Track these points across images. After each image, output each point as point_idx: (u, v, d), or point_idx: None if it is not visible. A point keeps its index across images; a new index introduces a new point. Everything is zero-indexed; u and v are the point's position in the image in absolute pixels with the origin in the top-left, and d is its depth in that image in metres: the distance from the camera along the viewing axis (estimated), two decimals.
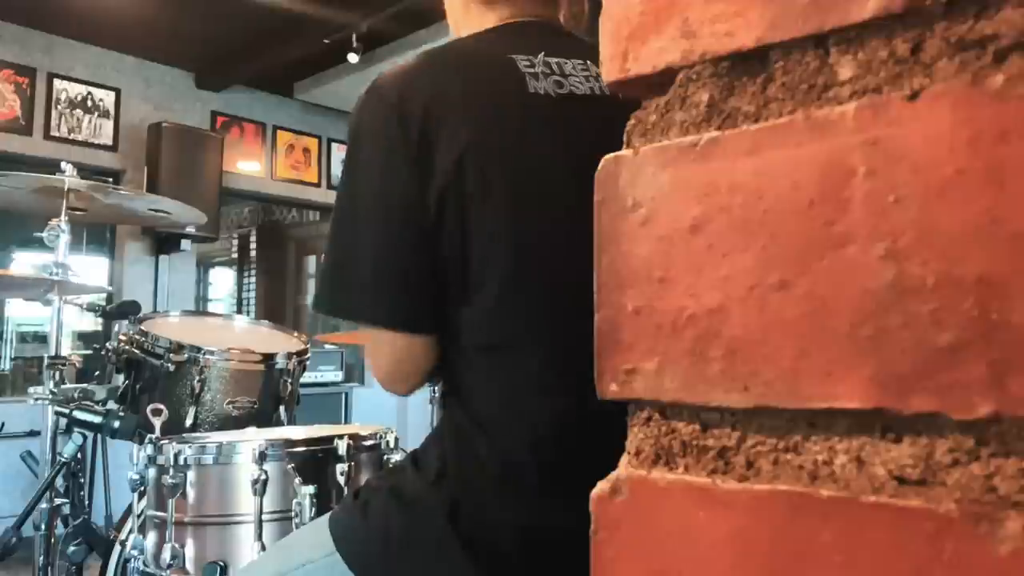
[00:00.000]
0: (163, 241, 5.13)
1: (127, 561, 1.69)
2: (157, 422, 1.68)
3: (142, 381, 2.11)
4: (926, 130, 0.34)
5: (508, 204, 0.90)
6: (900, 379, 0.34)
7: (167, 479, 1.50)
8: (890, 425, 0.35)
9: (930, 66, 0.34)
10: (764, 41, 0.39)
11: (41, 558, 2.18)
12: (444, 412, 0.98)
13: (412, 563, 0.90)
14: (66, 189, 2.25)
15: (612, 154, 0.45)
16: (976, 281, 0.32)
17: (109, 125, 5.01)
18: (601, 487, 0.44)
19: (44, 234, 2.26)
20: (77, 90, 4.90)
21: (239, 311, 7.54)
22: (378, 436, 1.64)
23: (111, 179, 5.05)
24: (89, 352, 4.86)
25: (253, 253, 7.91)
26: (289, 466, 1.49)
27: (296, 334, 2.39)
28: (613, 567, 0.43)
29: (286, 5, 4.32)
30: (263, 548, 1.44)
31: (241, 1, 4.30)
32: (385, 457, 1.63)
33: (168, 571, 1.48)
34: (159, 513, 1.55)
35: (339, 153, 6.08)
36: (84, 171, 2.43)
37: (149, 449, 1.59)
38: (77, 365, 2.35)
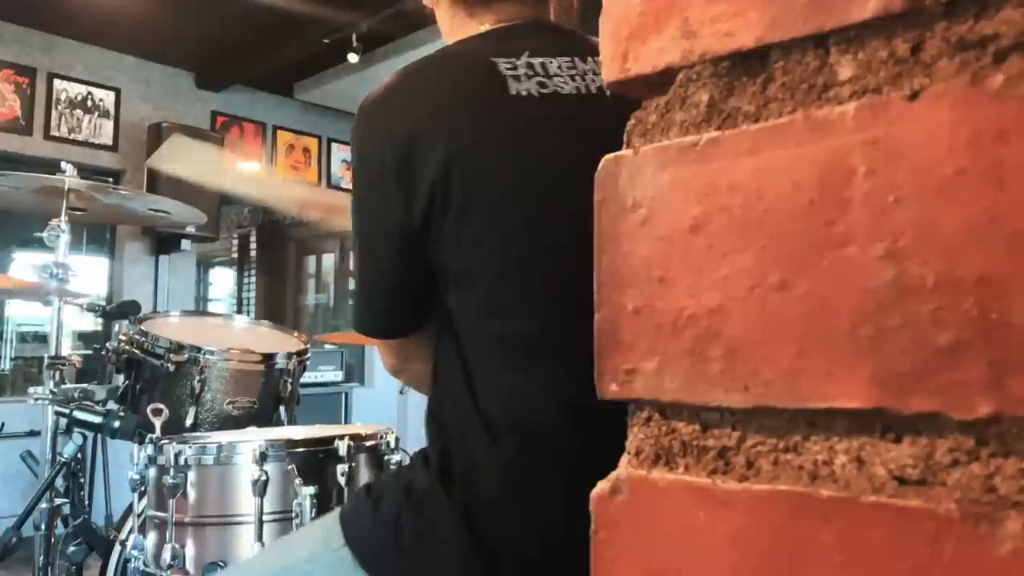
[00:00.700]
0: (163, 241, 5.12)
1: (127, 561, 1.69)
2: (157, 422, 1.68)
3: (142, 381, 2.11)
4: (926, 130, 0.34)
5: (492, 208, 0.92)
6: (900, 379, 0.34)
7: (167, 479, 1.50)
8: (890, 425, 0.35)
9: (930, 66, 0.34)
10: (764, 41, 0.39)
11: (41, 558, 2.17)
12: (448, 408, 0.98)
13: (420, 559, 0.90)
14: (66, 189, 2.25)
15: (612, 154, 0.45)
16: (976, 281, 0.32)
17: (109, 125, 5.01)
18: (601, 487, 0.44)
19: (44, 234, 2.26)
20: (77, 90, 4.89)
21: (239, 311, 7.53)
22: (379, 436, 1.64)
23: (111, 179, 5.05)
24: (89, 352, 4.86)
25: (253, 253, 7.90)
26: (290, 466, 1.49)
27: (296, 334, 2.39)
28: (613, 567, 0.43)
29: (286, 5, 4.32)
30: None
31: (241, 1, 4.30)
32: (386, 457, 1.63)
33: (168, 571, 1.48)
34: (159, 513, 1.55)
35: (339, 153, 6.08)
36: (84, 171, 2.43)
37: (149, 449, 1.59)
38: (77, 365, 2.34)
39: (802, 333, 0.37)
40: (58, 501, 2.19)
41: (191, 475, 1.52)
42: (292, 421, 2.19)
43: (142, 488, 1.62)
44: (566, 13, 1.08)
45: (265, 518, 1.46)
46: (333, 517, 1.00)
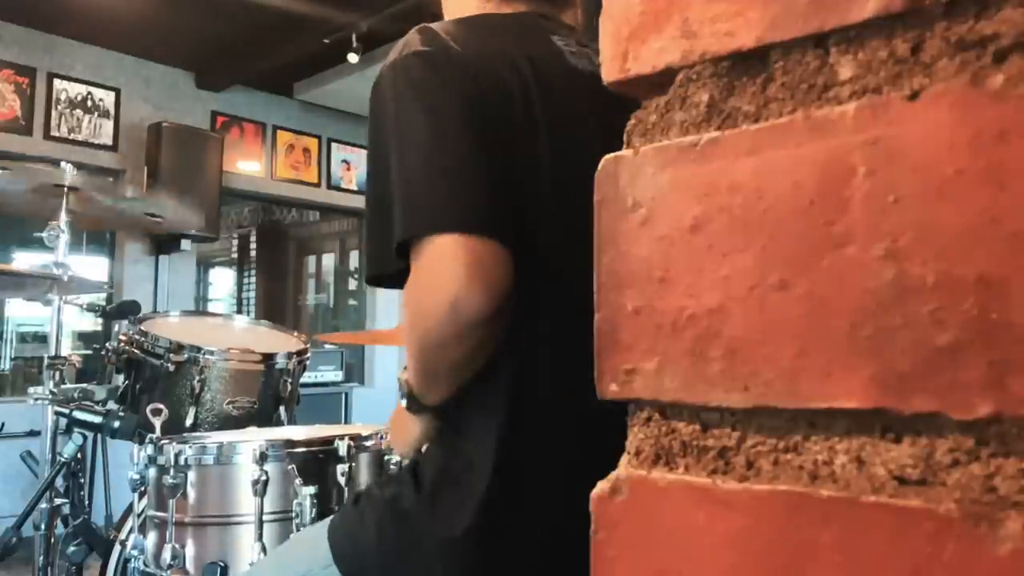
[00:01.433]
0: (163, 241, 5.13)
1: (127, 561, 1.69)
2: (157, 422, 1.68)
3: (142, 381, 2.11)
4: (926, 130, 0.34)
5: (551, 170, 0.89)
6: (900, 379, 0.34)
7: (168, 479, 1.50)
8: (890, 425, 0.35)
9: (930, 66, 0.34)
10: (764, 41, 0.39)
11: (41, 558, 2.18)
12: (442, 423, 0.96)
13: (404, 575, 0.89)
14: (66, 188, 2.25)
15: (612, 154, 0.45)
16: (976, 281, 0.32)
17: (109, 125, 5.01)
18: (601, 487, 0.44)
19: (44, 234, 2.27)
20: (77, 90, 4.90)
21: (239, 311, 7.54)
22: (379, 436, 1.64)
23: (111, 179, 5.05)
24: (89, 352, 4.86)
25: (253, 253, 7.91)
26: (290, 466, 1.49)
27: (296, 334, 2.39)
28: (613, 567, 0.43)
29: (286, 5, 4.32)
30: (263, 549, 1.44)
31: (241, 1, 4.30)
32: (386, 458, 1.63)
33: (168, 571, 1.48)
34: (160, 513, 1.55)
35: (339, 153, 6.08)
36: (84, 171, 2.43)
37: (150, 449, 1.59)
38: (77, 365, 2.35)
39: (802, 333, 0.37)
40: (58, 501, 2.20)
41: (191, 475, 1.52)
42: (292, 421, 2.19)
43: (142, 488, 1.62)
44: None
45: (265, 518, 1.46)
46: (323, 529, 0.97)
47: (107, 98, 5.01)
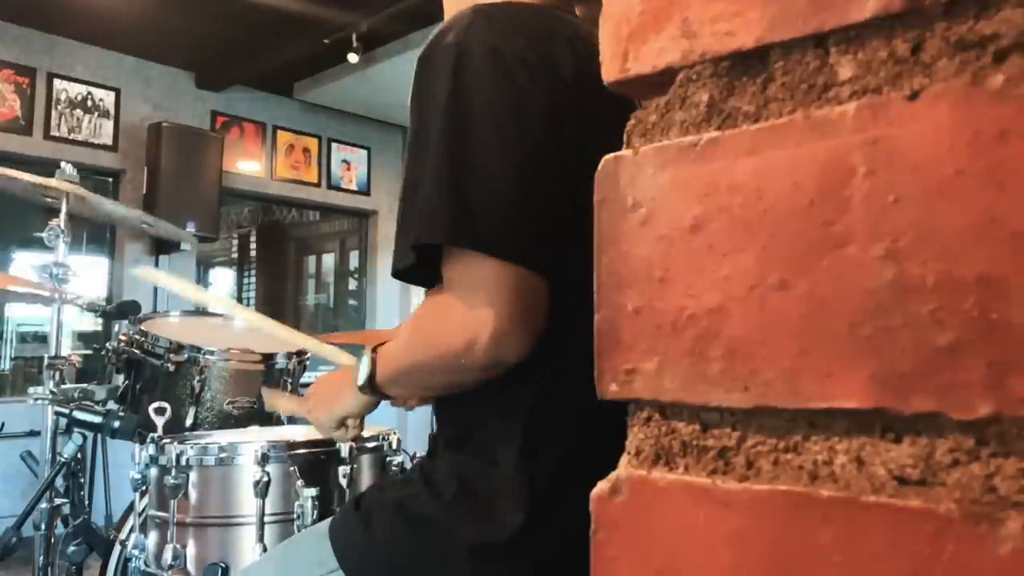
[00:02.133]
0: (163, 241, 5.12)
1: (128, 561, 1.69)
2: (160, 421, 1.68)
3: (142, 381, 2.11)
4: (926, 130, 0.34)
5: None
6: (900, 379, 0.34)
7: (169, 479, 1.50)
8: (890, 425, 0.35)
9: (930, 66, 0.34)
10: (764, 41, 0.39)
11: (41, 558, 2.18)
12: (457, 422, 0.93)
13: None
14: (65, 191, 2.25)
15: (612, 154, 0.45)
16: (976, 281, 0.32)
17: (109, 125, 5.01)
18: (601, 487, 0.44)
19: (44, 234, 2.27)
20: (77, 90, 4.90)
21: None
22: (380, 437, 1.64)
23: (111, 179, 5.05)
24: (89, 352, 4.86)
25: (253, 253, 7.91)
26: (291, 468, 1.49)
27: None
28: (613, 567, 0.43)
29: (286, 5, 4.32)
30: (264, 550, 1.44)
31: (241, 1, 4.30)
32: (387, 459, 1.63)
33: (169, 572, 1.48)
34: (161, 513, 1.55)
35: (339, 153, 6.08)
36: (84, 171, 2.43)
37: (151, 449, 1.59)
38: (77, 365, 2.35)
39: (802, 333, 0.37)
40: (58, 501, 2.20)
41: (193, 475, 1.52)
42: (292, 421, 2.19)
43: (143, 488, 1.62)
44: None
45: (266, 519, 1.46)
46: (323, 531, 0.95)
47: (107, 98, 5.01)
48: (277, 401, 1.33)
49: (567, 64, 0.86)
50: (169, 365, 2.04)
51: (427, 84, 0.85)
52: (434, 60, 0.85)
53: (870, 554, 0.34)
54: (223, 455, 1.54)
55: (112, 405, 2.14)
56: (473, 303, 0.78)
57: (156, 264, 5.18)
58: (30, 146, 4.68)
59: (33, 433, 3.82)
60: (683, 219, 0.41)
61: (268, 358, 2.13)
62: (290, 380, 2.17)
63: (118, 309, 2.33)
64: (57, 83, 4.81)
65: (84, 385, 2.20)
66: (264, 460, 1.46)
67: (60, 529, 2.22)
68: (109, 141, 5.00)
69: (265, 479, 1.45)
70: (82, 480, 2.32)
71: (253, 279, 7.87)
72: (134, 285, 5.02)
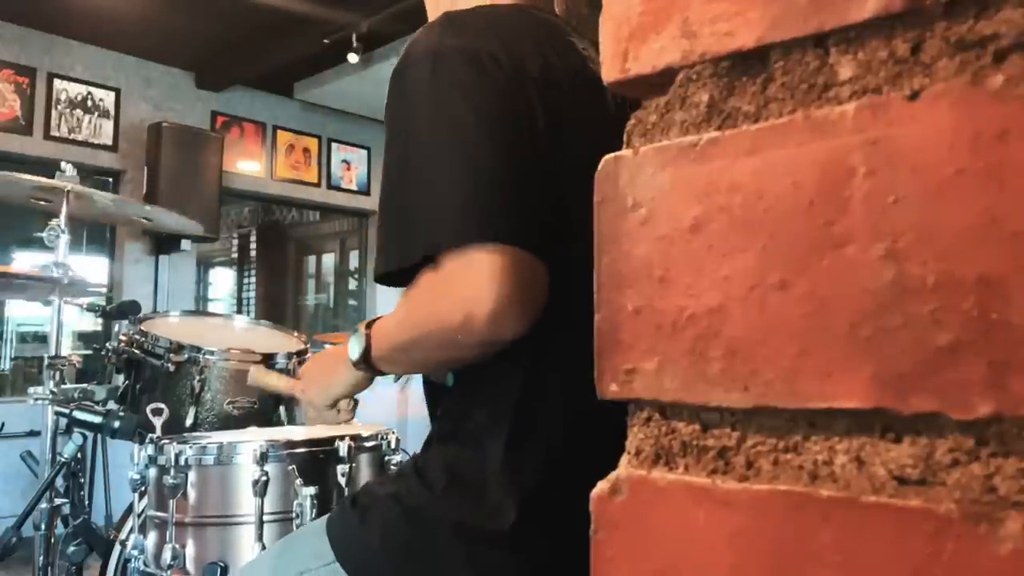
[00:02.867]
0: (163, 241, 5.13)
1: (127, 561, 1.69)
2: (158, 422, 1.68)
3: (142, 381, 2.11)
4: (926, 130, 0.34)
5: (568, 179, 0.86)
6: (900, 379, 0.34)
7: (168, 479, 1.50)
8: (890, 425, 0.35)
9: (930, 66, 0.34)
10: (764, 41, 0.39)
11: (41, 558, 2.18)
12: (448, 417, 0.95)
13: (415, 573, 0.88)
14: (67, 190, 2.25)
15: (612, 154, 0.45)
16: (976, 281, 0.32)
17: (109, 125, 5.01)
18: (601, 487, 0.44)
19: (44, 234, 2.27)
20: (77, 90, 4.90)
21: (239, 311, 7.55)
22: (379, 436, 1.64)
23: (111, 179, 5.05)
24: (89, 352, 4.86)
25: (253, 253, 7.92)
26: (290, 467, 1.49)
27: (296, 334, 2.39)
28: (613, 567, 0.43)
29: (286, 5, 4.32)
30: (263, 549, 1.44)
31: (241, 1, 4.30)
32: (386, 458, 1.63)
33: (169, 571, 1.48)
34: (160, 513, 1.54)
35: (339, 153, 6.08)
36: (84, 171, 2.43)
37: (150, 449, 1.59)
38: (77, 365, 2.35)
39: (802, 333, 0.37)
40: (58, 501, 2.20)
41: (191, 475, 1.52)
42: (292, 421, 2.19)
43: (142, 488, 1.62)
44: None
45: (265, 518, 1.46)
46: (321, 527, 0.96)
47: (107, 98, 5.01)
48: (266, 378, 1.33)
49: (534, 64, 0.88)
50: (169, 365, 2.04)
51: (405, 92, 0.87)
52: (409, 70, 0.87)
53: (870, 554, 0.34)
54: (221, 455, 1.54)
55: (112, 405, 2.14)
56: (470, 280, 0.79)
57: (156, 264, 5.18)
58: (30, 146, 4.68)
59: (33, 433, 3.82)
60: (683, 219, 0.41)
61: (268, 358, 2.13)
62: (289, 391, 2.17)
63: (118, 309, 2.33)
64: (57, 83, 4.81)
65: (84, 385, 2.20)
66: (263, 459, 1.46)
67: (60, 529, 2.22)
68: (109, 141, 5.01)
69: (264, 478, 1.45)
70: (82, 480, 2.32)
71: (253, 279, 7.87)
72: (134, 285, 5.02)
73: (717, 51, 0.41)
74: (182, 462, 1.52)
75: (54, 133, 4.78)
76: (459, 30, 0.88)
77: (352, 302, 7.09)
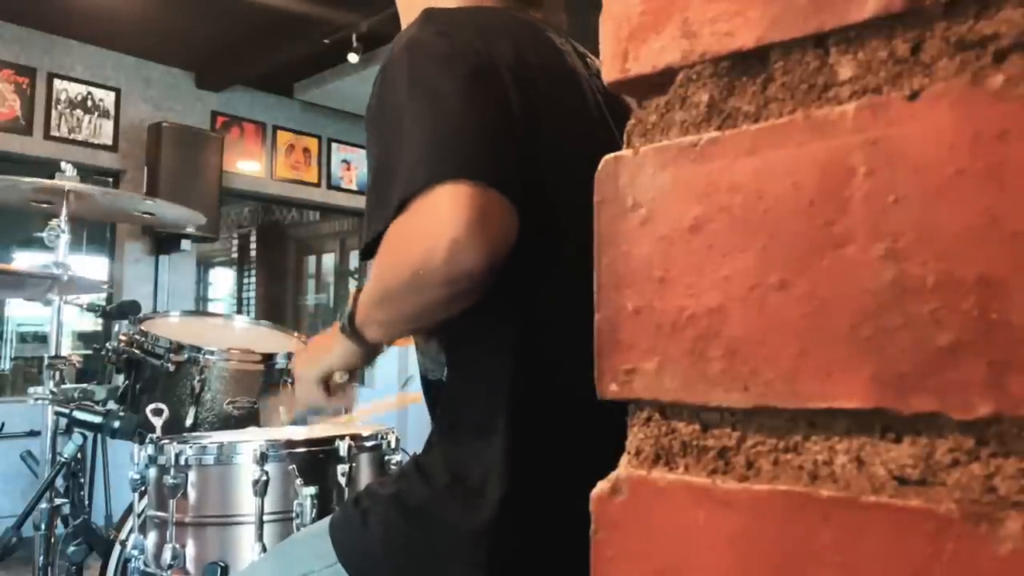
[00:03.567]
0: (163, 241, 5.13)
1: (128, 561, 1.69)
2: (158, 422, 1.68)
3: (142, 381, 2.11)
4: (926, 130, 0.34)
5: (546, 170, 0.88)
6: (900, 379, 0.34)
7: (168, 479, 1.50)
8: (890, 425, 0.35)
9: (930, 66, 0.34)
10: (764, 41, 0.39)
11: (41, 558, 2.18)
12: (447, 415, 0.96)
13: (417, 573, 0.88)
14: (66, 190, 2.25)
15: (612, 154, 0.45)
16: (976, 281, 0.32)
17: (109, 125, 5.01)
18: (601, 487, 0.44)
19: (44, 234, 2.27)
20: (77, 90, 4.90)
21: (239, 311, 7.55)
22: (379, 436, 1.64)
23: (111, 179, 5.05)
24: (89, 352, 4.86)
25: (253, 253, 7.91)
26: (290, 467, 1.49)
27: (296, 334, 2.39)
28: (613, 567, 0.43)
29: (286, 5, 4.32)
30: (264, 549, 1.44)
31: (241, 1, 4.30)
32: (386, 458, 1.63)
33: (169, 571, 1.48)
34: (160, 513, 1.55)
35: (339, 153, 6.08)
36: (84, 171, 2.43)
37: (150, 449, 1.59)
38: (77, 365, 2.35)
39: (802, 333, 0.37)
40: (58, 501, 2.20)
41: (192, 475, 1.52)
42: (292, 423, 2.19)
43: (143, 488, 1.62)
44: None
45: (265, 518, 1.46)
46: (324, 528, 0.97)
47: (107, 98, 5.01)
48: (280, 412, 1.32)
49: (509, 56, 0.90)
50: (169, 365, 2.03)
51: (387, 80, 0.90)
52: (390, 62, 0.90)
53: (870, 554, 0.34)
54: (222, 454, 1.54)
55: (112, 405, 2.14)
56: (433, 214, 0.79)
57: (156, 264, 5.18)
58: (30, 146, 4.68)
59: (33, 433, 3.82)
60: (683, 219, 0.41)
61: (268, 358, 2.13)
62: (290, 380, 2.17)
63: (118, 309, 2.33)
64: (57, 83, 4.81)
65: (84, 385, 2.20)
66: (263, 459, 1.46)
67: (60, 529, 2.22)
68: (109, 141, 5.01)
69: (264, 478, 1.45)
70: (82, 480, 2.32)
71: (253, 279, 7.87)
72: (134, 285, 5.02)
73: (717, 51, 0.41)
74: (182, 462, 1.52)
75: (54, 133, 4.78)
76: (435, 20, 0.91)
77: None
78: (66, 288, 2.28)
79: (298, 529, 1.43)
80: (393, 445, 1.66)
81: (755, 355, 0.38)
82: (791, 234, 0.37)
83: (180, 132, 5.05)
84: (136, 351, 2.10)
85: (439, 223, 0.77)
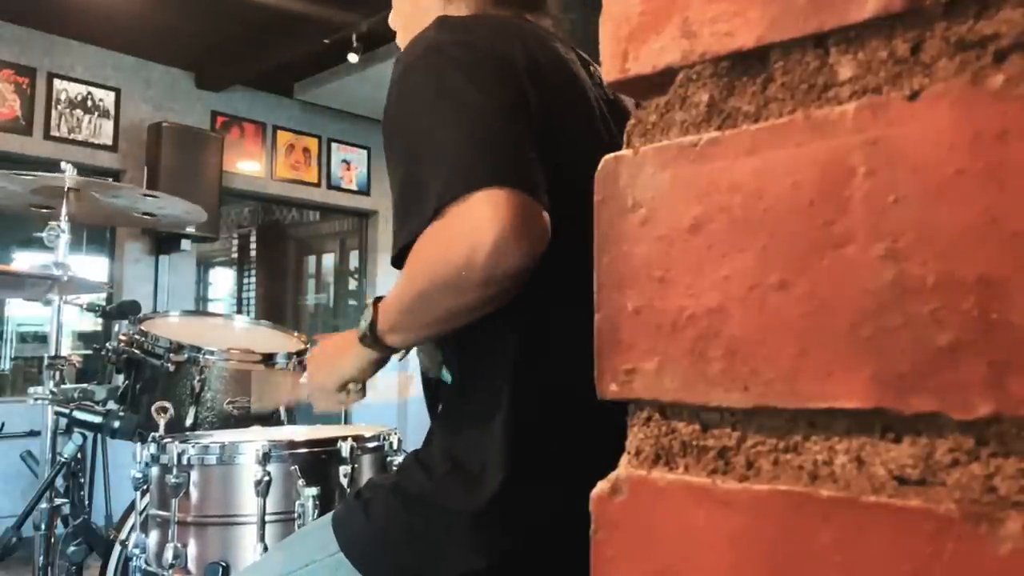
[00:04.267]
0: (163, 241, 5.13)
1: (129, 560, 1.69)
2: (161, 421, 1.68)
3: (142, 381, 2.11)
4: (926, 130, 0.34)
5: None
6: (900, 379, 0.34)
7: (170, 478, 1.50)
8: (890, 425, 0.35)
9: (930, 66, 0.34)
10: (764, 41, 0.39)
11: (41, 558, 2.18)
12: (448, 408, 0.97)
13: (417, 559, 0.90)
14: (66, 189, 2.25)
15: (612, 154, 0.45)
16: (976, 281, 0.32)
17: (109, 125, 5.01)
18: (601, 487, 0.44)
19: (44, 234, 2.27)
20: (77, 90, 4.90)
21: (239, 311, 7.54)
22: (381, 437, 1.64)
23: (111, 179, 5.05)
24: (89, 352, 4.86)
25: (253, 253, 7.91)
26: (292, 467, 1.49)
27: (296, 334, 2.39)
28: (613, 567, 0.43)
29: (286, 5, 4.32)
30: (265, 549, 1.44)
31: (241, 1, 4.30)
32: (388, 459, 1.63)
33: (170, 571, 1.48)
34: (162, 512, 1.55)
35: (339, 153, 6.08)
36: (84, 171, 2.43)
37: (153, 448, 1.59)
38: (77, 365, 2.35)
39: (802, 333, 0.37)
40: (58, 501, 2.20)
41: (194, 474, 1.52)
42: (292, 421, 2.19)
43: (144, 487, 1.62)
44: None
45: (267, 518, 1.46)
46: (327, 521, 0.99)
47: (107, 98, 5.01)
48: (274, 399, 1.33)
49: (522, 58, 0.92)
50: (169, 365, 2.04)
51: (406, 84, 0.91)
52: (408, 66, 0.91)
53: (870, 554, 0.34)
54: (224, 454, 1.54)
55: (112, 405, 2.15)
56: (472, 218, 0.80)
57: (156, 264, 5.18)
58: (30, 146, 4.68)
59: (33, 433, 3.82)
60: (683, 219, 0.41)
61: (268, 358, 2.13)
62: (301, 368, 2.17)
63: (118, 309, 2.33)
64: (57, 83, 4.81)
65: (84, 385, 2.20)
66: (265, 459, 1.47)
67: (60, 529, 2.22)
68: (109, 141, 5.01)
69: (266, 478, 1.46)
70: (82, 480, 2.32)
71: (253, 279, 7.87)
72: (134, 285, 5.02)
73: (717, 51, 0.41)
74: (185, 461, 1.52)
75: (54, 133, 4.78)
76: (452, 28, 0.93)
77: (352, 302, 7.08)
78: (66, 288, 2.28)
79: (299, 529, 1.43)
80: (396, 446, 1.66)
81: (755, 355, 0.38)
82: (791, 234, 0.37)
83: (180, 132, 5.05)
84: (136, 351, 2.10)
85: (480, 226, 0.79)
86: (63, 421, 2.09)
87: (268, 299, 7.69)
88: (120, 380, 2.17)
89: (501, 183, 0.80)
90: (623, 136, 0.46)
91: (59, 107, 4.81)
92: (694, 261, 0.41)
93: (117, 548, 2.02)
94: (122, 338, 2.14)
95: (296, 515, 1.46)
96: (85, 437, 2.17)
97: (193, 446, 1.55)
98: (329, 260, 7.55)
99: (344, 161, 6.11)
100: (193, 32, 4.77)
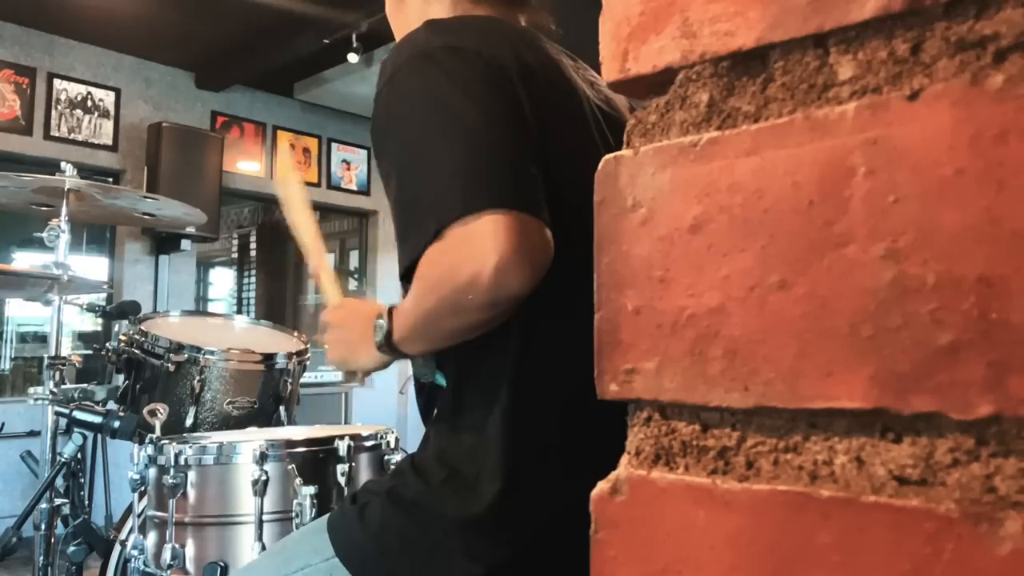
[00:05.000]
0: (163, 241, 5.12)
1: (127, 561, 1.69)
2: (156, 423, 1.68)
3: (142, 381, 2.11)
4: (926, 130, 0.34)
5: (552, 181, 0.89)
6: (900, 379, 0.34)
7: (168, 479, 1.50)
8: (890, 425, 0.35)
9: (930, 66, 0.34)
10: (764, 41, 0.39)
11: (41, 558, 2.18)
12: (444, 413, 0.97)
13: (412, 565, 0.90)
14: (66, 189, 2.25)
15: (612, 154, 0.45)
16: (976, 281, 0.32)
17: (109, 125, 5.01)
18: (601, 487, 0.44)
19: (44, 234, 2.27)
20: (77, 90, 4.89)
21: (239, 311, 7.54)
22: (379, 436, 1.64)
23: (111, 179, 5.05)
24: (89, 352, 4.85)
25: (253, 253, 7.91)
26: (290, 466, 1.49)
27: (296, 334, 2.39)
28: (613, 567, 0.43)
29: (286, 5, 4.32)
30: (263, 548, 1.44)
31: (241, 1, 4.30)
32: (386, 458, 1.63)
33: (168, 571, 1.48)
34: (160, 513, 1.55)
35: (339, 153, 6.08)
36: (84, 171, 2.43)
37: (150, 449, 1.59)
38: (77, 365, 2.35)
39: (802, 333, 0.37)
40: (58, 501, 2.20)
41: (191, 475, 1.52)
42: (292, 421, 2.19)
43: (142, 488, 1.62)
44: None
45: (265, 518, 1.46)
46: (322, 525, 0.98)
47: (107, 98, 5.01)
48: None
49: (512, 61, 0.91)
50: (169, 365, 2.04)
51: (397, 92, 0.90)
52: (398, 72, 0.91)
53: (870, 554, 0.34)
54: (221, 454, 1.54)
55: (112, 405, 2.15)
56: (475, 240, 0.81)
57: (156, 264, 5.18)
58: (30, 146, 4.68)
59: (33, 433, 3.82)
60: (683, 219, 0.41)
61: (268, 358, 2.13)
62: (290, 380, 2.17)
63: (118, 309, 2.33)
64: (57, 83, 4.81)
65: (84, 385, 2.19)
66: (262, 459, 1.47)
67: (60, 529, 2.22)
68: (109, 141, 5.00)
69: (263, 478, 1.46)
70: (82, 480, 2.32)
71: (253, 279, 7.86)
72: (134, 285, 5.02)
73: (717, 51, 0.41)
74: (182, 462, 1.52)
75: (54, 133, 4.77)
76: (441, 32, 0.92)
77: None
78: (66, 288, 2.27)
79: (297, 529, 1.43)
80: (393, 445, 1.66)
81: (755, 355, 0.38)
82: (791, 234, 0.37)
83: (180, 132, 5.05)
84: (136, 351, 2.10)
85: (483, 251, 0.80)
86: (63, 421, 2.09)
87: (268, 299, 7.68)
88: (120, 380, 2.17)
89: (502, 205, 0.80)
90: (616, 137, 0.46)
91: (59, 107, 4.81)
92: (694, 261, 0.41)
93: (117, 548, 2.02)
94: (122, 338, 2.14)
95: (294, 514, 1.46)
96: (85, 437, 2.17)
97: (190, 447, 1.55)
98: (329, 260, 7.55)
99: (344, 161, 6.11)
100: (193, 32, 4.77)
